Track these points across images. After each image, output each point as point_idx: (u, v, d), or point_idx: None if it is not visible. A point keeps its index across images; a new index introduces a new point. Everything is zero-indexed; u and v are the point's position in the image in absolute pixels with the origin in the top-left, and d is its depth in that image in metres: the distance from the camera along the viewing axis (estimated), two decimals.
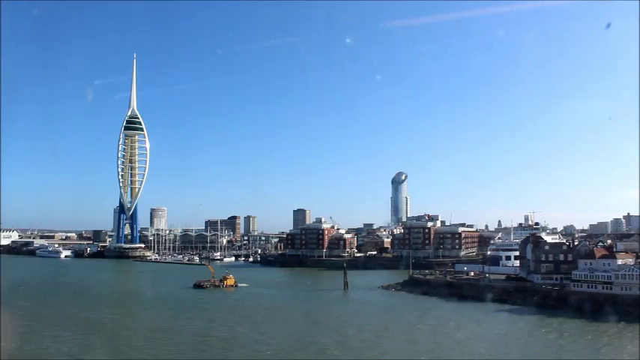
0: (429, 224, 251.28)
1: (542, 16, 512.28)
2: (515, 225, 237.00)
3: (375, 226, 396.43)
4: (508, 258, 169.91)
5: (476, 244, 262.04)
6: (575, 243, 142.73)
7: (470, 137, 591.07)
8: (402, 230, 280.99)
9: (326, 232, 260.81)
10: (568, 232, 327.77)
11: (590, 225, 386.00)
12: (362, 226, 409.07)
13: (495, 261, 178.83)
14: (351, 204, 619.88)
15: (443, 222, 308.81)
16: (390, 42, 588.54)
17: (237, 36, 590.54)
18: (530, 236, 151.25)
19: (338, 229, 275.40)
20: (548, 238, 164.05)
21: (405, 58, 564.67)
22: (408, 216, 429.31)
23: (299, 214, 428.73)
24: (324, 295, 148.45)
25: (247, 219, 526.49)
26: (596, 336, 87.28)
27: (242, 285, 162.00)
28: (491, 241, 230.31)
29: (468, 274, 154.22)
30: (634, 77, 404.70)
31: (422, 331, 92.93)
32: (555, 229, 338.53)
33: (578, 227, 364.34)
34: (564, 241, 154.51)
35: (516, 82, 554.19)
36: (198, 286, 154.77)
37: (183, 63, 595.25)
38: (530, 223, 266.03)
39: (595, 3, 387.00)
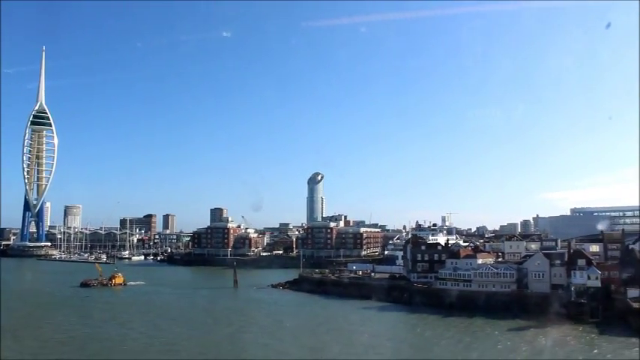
0: (332, 224, 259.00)
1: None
2: (414, 225, 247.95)
3: (291, 226, 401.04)
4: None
5: (379, 245, 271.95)
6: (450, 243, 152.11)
7: (394, 139, 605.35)
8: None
9: (232, 231, 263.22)
10: (480, 232, 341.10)
11: (501, 226, 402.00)
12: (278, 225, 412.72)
13: (392, 260, 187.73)
14: (270, 203, 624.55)
15: (362, 222, 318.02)
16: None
17: (159, 29, 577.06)
18: (411, 237, 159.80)
19: (246, 228, 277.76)
20: (443, 239, 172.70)
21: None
22: (324, 216, 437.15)
23: (216, 213, 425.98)
24: (211, 294, 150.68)
25: (166, 217, 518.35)
26: (459, 331, 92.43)
27: (135, 283, 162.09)
28: (390, 242, 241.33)
29: (356, 273, 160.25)
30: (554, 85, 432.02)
31: (289, 326, 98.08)
32: (470, 229, 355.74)
33: (490, 228, 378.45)
34: (439, 241, 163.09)
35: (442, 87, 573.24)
36: (84, 284, 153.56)
37: (101, 54, 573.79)
38: (447, 223, 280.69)
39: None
